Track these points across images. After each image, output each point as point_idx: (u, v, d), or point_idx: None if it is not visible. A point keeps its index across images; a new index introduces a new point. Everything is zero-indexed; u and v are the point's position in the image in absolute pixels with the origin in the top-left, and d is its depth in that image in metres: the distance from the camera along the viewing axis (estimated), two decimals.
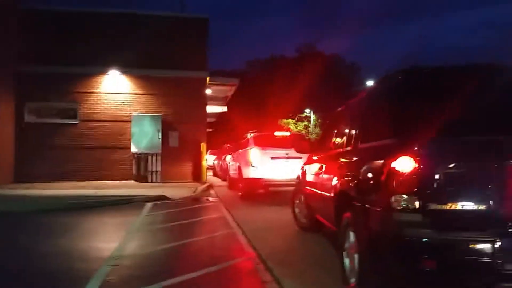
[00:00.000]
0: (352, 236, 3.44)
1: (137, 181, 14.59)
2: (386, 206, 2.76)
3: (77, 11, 15.63)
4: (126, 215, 7.93)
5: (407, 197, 2.66)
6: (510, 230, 2.59)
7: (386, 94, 3.48)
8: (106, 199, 9.66)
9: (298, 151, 7.97)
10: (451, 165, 2.67)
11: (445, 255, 2.60)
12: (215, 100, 19.62)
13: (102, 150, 15.09)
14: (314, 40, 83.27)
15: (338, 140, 4.81)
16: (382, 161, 2.92)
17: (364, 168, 3.31)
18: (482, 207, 2.63)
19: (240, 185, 11.12)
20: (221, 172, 19.04)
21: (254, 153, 10.32)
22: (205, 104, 16.37)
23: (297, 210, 6.71)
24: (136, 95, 15.51)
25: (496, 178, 2.66)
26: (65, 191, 11.12)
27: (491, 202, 2.62)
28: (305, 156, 7.09)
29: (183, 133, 15.60)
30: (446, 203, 2.63)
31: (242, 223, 6.95)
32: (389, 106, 3.31)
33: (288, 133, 12.58)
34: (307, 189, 5.86)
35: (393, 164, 2.75)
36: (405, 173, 2.68)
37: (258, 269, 4.30)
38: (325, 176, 4.79)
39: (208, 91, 16.54)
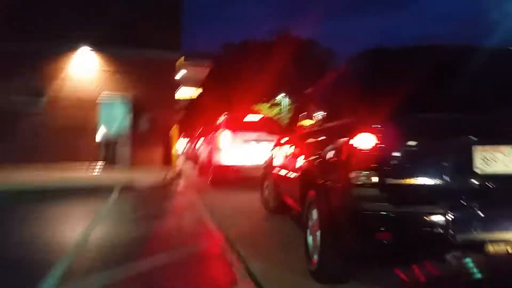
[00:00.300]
0: (315, 213, 3.50)
1: (105, 165, 14.22)
2: (346, 182, 2.82)
3: None
4: (92, 202, 7.75)
5: (366, 172, 2.72)
6: (461, 202, 2.69)
7: (351, 74, 3.53)
8: (72, 186, 9.40)
9: (269, 134, 7.96)
10: (408, 142, 2.73)
11: (401, 227, 2.69)
12: (188, 81, 19.30)
13: (69, 131, 14.36)
14: (289, 25, 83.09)
15: (305, 121, 4.83)
16: (343, 138, 2.98)
17: (327, 146, 3.36)
18: (437, 181, 2.72)
19: (211, 169, 11.04)
20: (192, 156, 18.88)
21: (225, 137, 10.23)
22: (178, 86, 15.99)
23: (266, 193, 6.73)
24: (105, 74, 14.87)
25: (451, 153, 2.75)
26: (29, 177, 10.76)
27: (444, 176, 2.71)
28: (275, 139, 7.09)
29: (154, 117, 15.12)
30: (402, 178, 2.71)
31: (211, 208, 6.91)
32: (353, 85, 3.36)
33: (259, 116, 12.52)
34: (275, 171, 5.89)
35: (352, 141, 2.80)
36: (364, 150, 2.75)
37: (226, 252, 4.31)
38: (292, 157, 4.82)
39: (182, 72, 16.12)
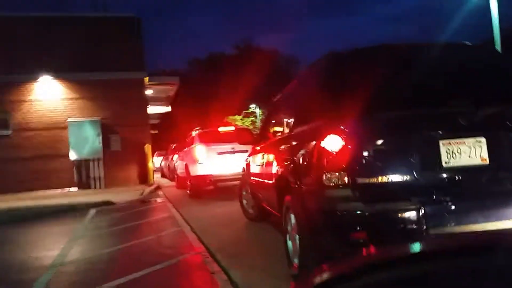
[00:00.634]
0: (292, 218, 3.54)
1: (79, 189, 14.00)
2: (319, 184, 2.86)
3: (2, 15, 14.64)
4: (68, 223, 7.62)
5: (337, 174, 2.77)
6: (432, 197, 2.77)
7: (313, 79, 3.63)
8: (47, 208, 9.18)
9: (242, 144, 8.03)
10: (376, 141, 2.80)
11: (375, 226, 2.74)
12: (157, 100, 19.25)
13: (39, 159, 14.31)
14: (251, 36, 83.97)
15: (276, 128, 4.93)
16: (312, 142, 3.04)
17: (298, 151, 3.41)
18: (406, 178, 2.79)
19: (188, 183, 11.01)
20: (168, 172, 18.73)
21: (200, 150, 10.26)
22: (146, 105, 16.02)
23: (244, 201, 6.78)
24: (71, 100, 14.87)
25: (417, 149, 2.83)
26: (1, 204, 10.42)
27: (414, 173, 2.79)
28: (250, 149, 7.18)
29: (125, 136, 15.15)
30: (373, 177, 2.76)
31: (191, 220, 6.90)
32: (316, 89, 3.46)
33: (232, 128, 12.61)
34: (252, 179, 5.94)
35: (322, 144, 2.86)
36: (333, 151, 2.79)
37: (207, 262, 4.30)
38: (267, 164, 4.88)
39: (149, 92, 16.21)
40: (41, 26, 14.71)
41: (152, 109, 17.25)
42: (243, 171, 6.86)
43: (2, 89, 14.16)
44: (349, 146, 2.78)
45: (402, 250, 1.06)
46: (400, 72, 3.20)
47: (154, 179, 16.00)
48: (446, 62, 3.27)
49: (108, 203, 10.05)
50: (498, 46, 13.44)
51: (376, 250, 1.20)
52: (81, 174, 14.25)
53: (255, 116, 39.40)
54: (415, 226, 2.70)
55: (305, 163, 3.23)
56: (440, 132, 2.84)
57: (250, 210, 6.54)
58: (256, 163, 5.66)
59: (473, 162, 2.83)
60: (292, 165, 3.58)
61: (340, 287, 0.85)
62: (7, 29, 14.34)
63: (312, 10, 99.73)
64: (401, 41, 4.35)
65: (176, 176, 14.35)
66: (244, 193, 6.75)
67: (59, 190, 13.79)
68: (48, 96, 14.64)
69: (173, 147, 18.42)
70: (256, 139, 6.89)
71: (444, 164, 2.81)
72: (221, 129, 11.59)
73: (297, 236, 3.40)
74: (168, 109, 21.29)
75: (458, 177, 2.81)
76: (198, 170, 10.23)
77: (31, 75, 14.37)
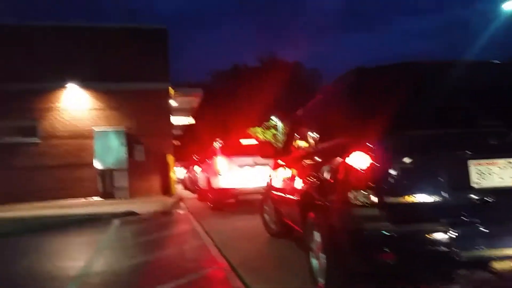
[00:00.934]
0: (317, 235, 3.49)
1: (103, 198, 14.20)
2: (345, 202, 2.81)
3: (34, 25, 15.17)
4: (92, 233, 7.72)
5: (363, 192, 2.72)
6: (462, 219, 2.69)
7: (339, 94, 3.57)
8: (72, 218, 9.35)
9: (264, 158, 8.03)
10: (404, 159, 2.74)
11: (403, 247, 2.67)
12: (181, 111, 19.51)
13: (65, 168, 14.63)
14: (274, 49, 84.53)
15: (299, 143, 4.91)
16: (338, 158, 3.00)
17: (323, 167, 3.38)
18: (436, 198, 2.72)
19: (210, 195, 11.05)
20: (190, 184, 18.84)
21: (221, 162, 10.30)
22: (170, 116, 16.21)
23: (266, 216, 6.74)
24: (97, 109, 15.18)
25: (447, 169, 2.76)
26: (28, 212, 10.68)
27: (443, 193, 2.72)
28: (272, 162, 7.16)
29: (150, 146, 15.35)
30: (402, 196, 2.70)
31: (212, 234, 6.91)
32: (343, 105, 3.41)
33: (254, 141, 12.63)
34: (274, 194, 5.92)
35: (348, 161, 2.82)
36: (360, 169, 2.75)
37: (229, 277, 4.28)
38: (290, 179, 4.85)
39: (173, 103, 16.42)
40: (70, 35, 15.14)
41: (175, 120, 17.47)
42: (266, 186, 6.84)
43: (31, 97, 14.55)
44: (377, 164, 2.73)
45: None
46: (430, 90, 3.14)
47: (176, 191, 16.11)
48: (476, 80, 3.21)
49: (131, 213, 10.17)
50: None
51: None
52: (105, 184, 14.48)
53: (276, 129, 39.39)
54: (445, 249, 2.63)
55: (330, 179, 3.19)
56: (470, 152, 2.78)
57: (272, 225, 6.49)
58: (279, 177, 5.64)
59: (504, 184, 2.76)
60: (316, 181, 3.55)
61: None
62: (38, 37, 14.76)
63: (338, 25, 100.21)
64: (427, 57, 4.29)
65: (197, 188, 14.43)
66: (266, 207, 6.71)
67: (83, 199, 14.04)
68: (75, 105, 14.99)
69: (196, 158, 18.58)
70: (278, 153, 6.88)
71: (474, 185, 2.74)
72: (243, 141, 11.62)
73: (322, 255, 3.35)
74: (191, 120, 21.53)
75: (489, 199, 2.73)
76: (220, 182, 10.26)
77: (59, 84, 14.75)
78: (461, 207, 2.73)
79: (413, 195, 2.72)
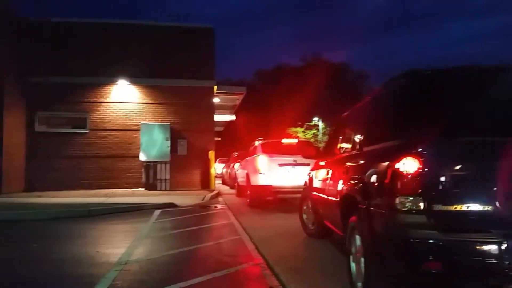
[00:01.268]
0: (358, 240, 3.42)
1: (146, 189, 14.68)
2: (391, 207, 2.74)
3: (85, 22, 15.91)
4: (134, 222, 7.98)
5: (411, 198, 2.64)
6: None
7: (390, 97, 3.49)
8: (115, 206, 9.73)
9: (305, 157, 7.97)
10: (456, 166, 2.65)
11: (451, 257, 2.57)
12: (223, 108, 19.80)
13: (111, 159, 15.28)
14: (319, 49, 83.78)
15: (343, 145, 4.81)
16: (386, 162, 2.91)
17: (369, 170, 3.29)
18: (488, 208, 2.61)
19: (248, 192, 11.12)
20: (229, 180, 19.07)
21: (262, 160, 10.32)
22: (213, 113, 16.50)
23: (304, 216, 6.70)
24: (144, 104, 15.71)
25: (501, 178, 2.63)
26: (74, 199, 11.23)
27: (496, 203, 2.60)
28: (312, 162, 7.09)
29: (192, 141, 15.72)
30: (451, 204, 2.61)
31: (249, 229, 6.95)
32: (393, 108, 3.32)
33: (295, 140, 12.56)
34: (314, 194, 5.85)
35: (397, 165, 2.74)
36: (409, 174, 2.67)
37: (265, 275, 4.29)
38: (331, 180, 4.78)
39: (216, 100, 16.68)
40: (122, 32, 15.78)
41: (217, 117, 17.72)
42: (305, 185, 6.78)
43: (83, 90, 15.28)
44: (427, 170, 2.64)
45: None
46: (487, 96, 2.99)
47: (215, 185, 16.36)
48: None
49: (172, 205, 10.43)
50: None
51: None
52: (149, 176, 14.95)
53: (318, 129, 39.01)
54: (494, 261, 2.51)
55: (376, 184, 3.10)
56: None
57: (310, 226, 6.44)
58: (320, 178, 5.56)
59: None
60: (360, 184, 3.47)
61: None
62: (91, 34, 15.52)
63: (387, 26, 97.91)
64: (479, 61, 4.07)
65: (236, 184, 14.56)
66: (305, 207, 6.66)
67: (127, 190, 14.56)
68: (123, 99, 15.57)
69: (235, 155, 18.77)
70: (320, 154, 6.80)
71: None
72: (284, 140, 11.59)
73: (362, 259, 3.28)
74: (232, 117, 21.76)
75: None
76: (259, 180, 10.29)
77: (110, 79, 15.39)
78: None
79: (464, 203, 2.62)
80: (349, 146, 4.49)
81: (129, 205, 9.98)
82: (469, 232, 2.59)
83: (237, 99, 19.04)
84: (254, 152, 11.47)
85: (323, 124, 38.72)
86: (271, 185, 10.06)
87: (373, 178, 3.17)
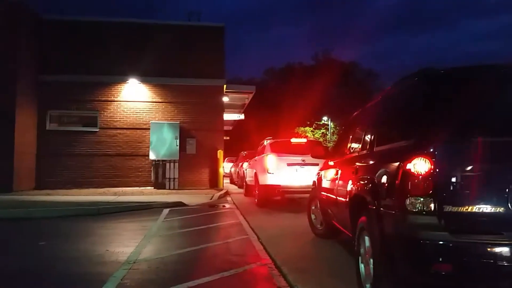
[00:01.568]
0: (367, 240, 3.38)
1: (155, 188, 14.75)
2: (401, 208, 2.71)
3: (97, 21, 16.03)
4: (143, 221, 8.01)
5: (422, 199, 2.61)
6: None
7: (402, 96, 3.44)
8: (125, 205, 9.78)
9: (314, 157, 7.92)
10: (467, 167, 2.61)
11: (461, 258, 2.54)
12: (232, 107, 19.79)
13: (121, 157, 15.38)
14: (329, 48, 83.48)
15: (353, 144, 4.77)
16: (397, 163, 2.88)
17: (379, 171, 3.25)
18: (499, 209, 2.56)
19: (256, 191, 11.11)
20: (237, 179, 19.08)
21: (271, 160, 10.30)
22: (222, 112, 16.50)
23: (313, 216, 6.66)
24: (154, 103, 15.76)
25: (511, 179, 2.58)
26: (84, 197, 11.32)
27: (508, 204, 2.55)
28: (321, 162, 7.05)
29: (201, 140, 15.75)
30: (462, 205, 2.58)
31: (257, 229, 6.93)
32: (404, 108, 3.27)
33: (304, 140, 12.52)
34: (323, 194, 5.82)
35: (408, 166, 2.70)
36: (420, 175, 2.64)
37: (273, 275, 4.28)
38: (341, 181, 4.75)
39: (225, 99, 16.67)
40: (133, 31, 15.84)
41: (226, 116, 17.72)
42: (313, 185, 6.75)
43: (94, 89, 15.39)
44: (438, 171, 2.60)
45: None
46: (500, 95, 2.94)
47: (224, 185, 16.38)
48: None
49: (180, 204, 10.47)
50: None
51: None
52: (158, 174, 15.02)
53: (327, 129, 38.85)
54: (506, 264, 2.47)
55: (386, 184, 3.06)
56: None
57: (319, 226, 6.41)
58: (329, 178, 5.53)
59: None
60: (370, 185, 3.43)
61: None
62: (102, 32, 15.62)
63: (397, 24, 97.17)
64: (489, 60, 3.98)
65: (244, 183, 14.56)
66: (313, 207, 6.63)
67: (136, 188, 14.64)
68: (134, 98, 15.64)
69: (244, 154, 18.77)
70: (329, 154, 6.76)
71: None
72: (294, 140, 11.56)
73: (371, 260, 3.25)
74: (241, 116, 21.75)
75: None
76: (267, 179, 10.27)
77: (120, 77, 15.47)
78: None
79: (475, 205, 2.58)
80: (359, 146, 4.44)
81: (138, 204, 10.03)
82: (480, 234, 2.56)
83: (246, 98, 19.01)
84: (262, 152, 11.46)
85: (332, 123, 38.58)
86: (279, 185, 10.04)
87: (383, 179, 3.13)
